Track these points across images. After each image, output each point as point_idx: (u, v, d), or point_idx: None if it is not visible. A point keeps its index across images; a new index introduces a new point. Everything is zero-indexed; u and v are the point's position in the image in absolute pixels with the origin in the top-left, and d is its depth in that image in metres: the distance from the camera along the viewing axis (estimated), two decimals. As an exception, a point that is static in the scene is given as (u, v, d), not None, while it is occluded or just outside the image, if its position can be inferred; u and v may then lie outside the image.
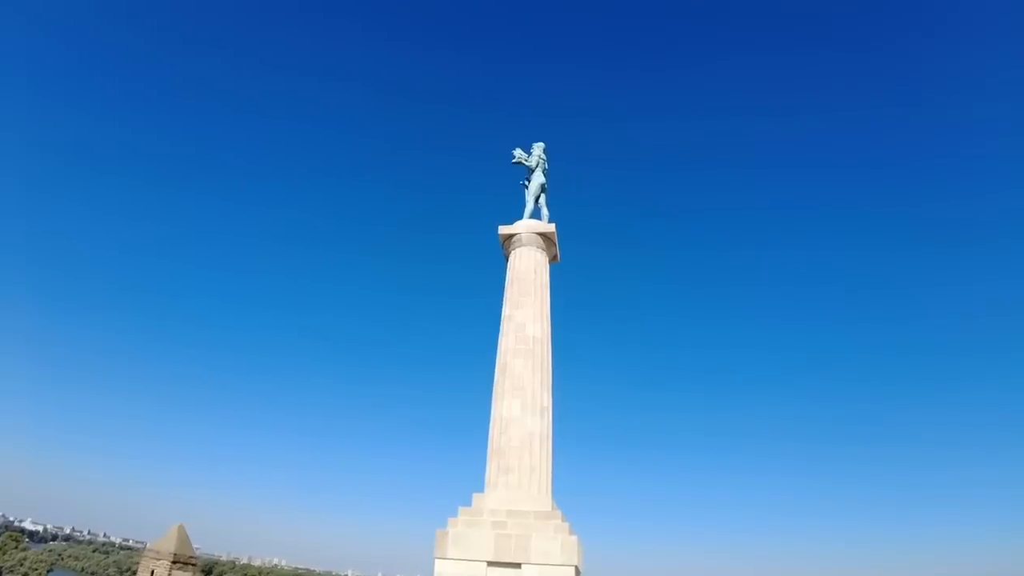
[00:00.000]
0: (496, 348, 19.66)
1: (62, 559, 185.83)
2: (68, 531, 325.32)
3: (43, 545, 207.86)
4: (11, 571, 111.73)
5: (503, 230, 21.46)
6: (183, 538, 29.99)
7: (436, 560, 16.03)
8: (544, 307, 20.24)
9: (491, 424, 18.42)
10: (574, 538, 15.88)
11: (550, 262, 21.62)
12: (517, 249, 20.98)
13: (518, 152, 22.86)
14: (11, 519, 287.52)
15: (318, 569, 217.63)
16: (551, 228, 21.31)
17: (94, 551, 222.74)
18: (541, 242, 21.11)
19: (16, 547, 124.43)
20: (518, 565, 15.54)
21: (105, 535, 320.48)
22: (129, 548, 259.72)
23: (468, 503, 17.26)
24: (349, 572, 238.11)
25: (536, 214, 22.13)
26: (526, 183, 22.63)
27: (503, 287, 20.83)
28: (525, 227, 21.21)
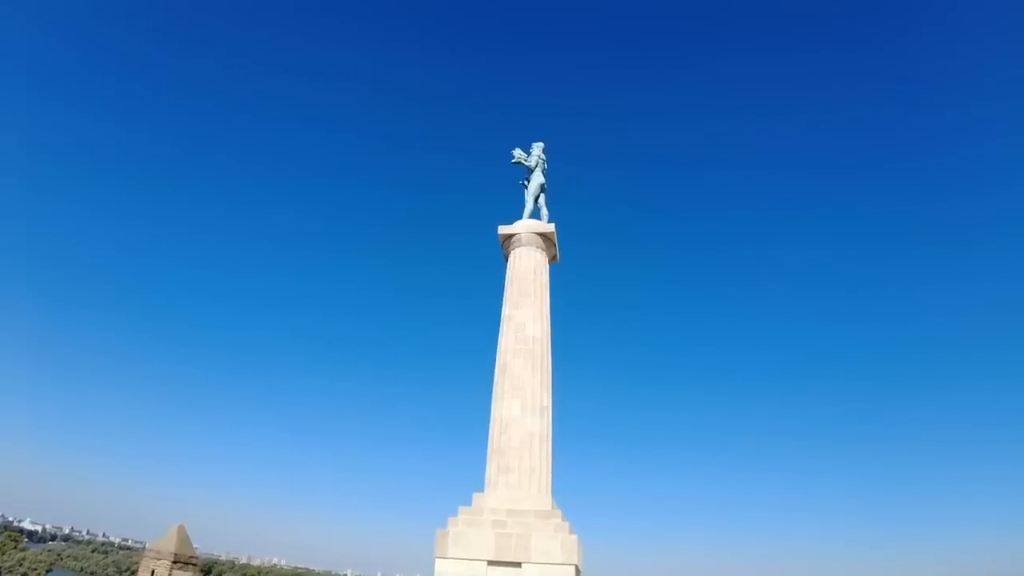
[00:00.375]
0: (496, 348, 19.68)
1: (61, 559, 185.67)
2: (67, 531, 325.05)
3: (42, 545, 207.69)
4: (10, 571, 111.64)
5: (503, 230, 21.48)
6: (183, 538, 30.00)
7: (436, 559, 16.05)
8: (544, 307, 20.26)
9: (491, 424, 18.45)
10: (574, 537, 15.91)
11: (550, 262, 21.64)
12: (517, 249, 21.00)
13: (517, 152, 22.87)
14: (10, 519, 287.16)
15: (317, 569, 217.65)
16: (551, 228, 21.33)
17: (93, 551, 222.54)
18: (541, 242, 21.13)
19: (15, 547, 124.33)
20: (518, 564, 15.58)
21: (104, 535, 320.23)
22: (128, 548, 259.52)
23: (468, 503, 17.29)
24: (348, 572, 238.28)
25: (536, 214, 22.14)
26: (525, 183, 22.64)
27: (503, 287, 20.85)
28: (525, 227, 21.23)
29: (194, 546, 30.73)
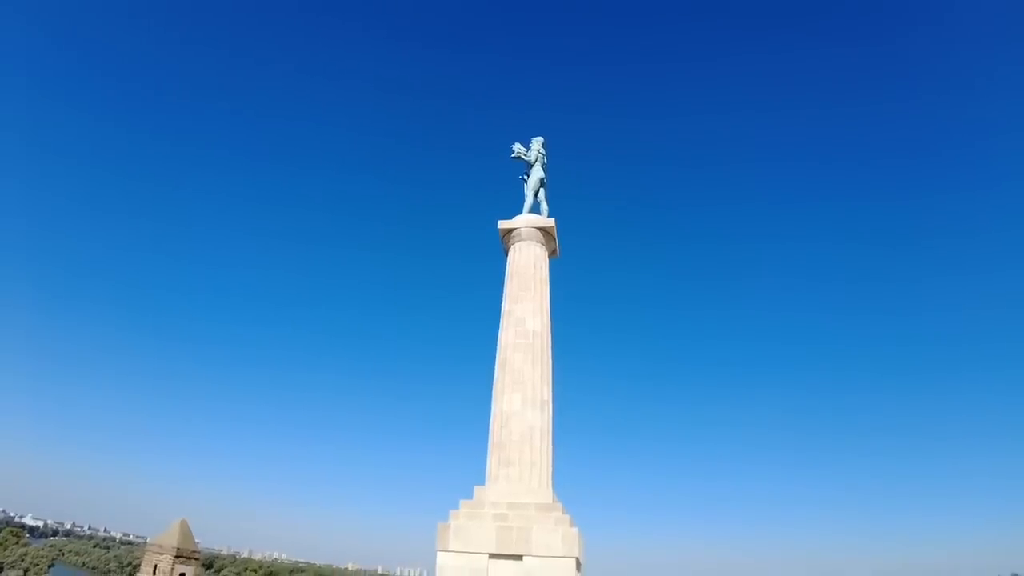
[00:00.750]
0: (496, 343, 19.72)
1: (63, 554, 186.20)
2: (69, 526, 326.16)
3: (44, 540, 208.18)
4: (12, 566, 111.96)
5: (502, 225, 21.48)
6: (185, 533, 30.09)
7: (438, 552, 16.11)
8: (544, 301, 20.29)
9: (492, 418, 18.50)
10: (575, 530, 15.98)
11: (550, 256, 21.65)
12: (516, 244, 21.01)
13: (517, 147, 22.84)
14: (11, 515, 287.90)
15: (318, 563, 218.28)
16: (550, 223, 21.33)
17: (95, 546, 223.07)
18: (540, 236, 21.13)
19: (17, 542, 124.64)
20: (520, 557, 15.66)
21: (106, 530, 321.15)
22: (130, 543, 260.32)
23: (469, 496, 17.36)
24: (349, 565, 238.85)
25: (535, 208, 22.12)
26: (525, 177, 22.62)
27: (503, 282, 20.87)
28: (524, 222, 21.22)
29: (195, 541, 30.83)
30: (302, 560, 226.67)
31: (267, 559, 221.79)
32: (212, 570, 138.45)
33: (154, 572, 28.62)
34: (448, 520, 16.56)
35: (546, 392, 18.69)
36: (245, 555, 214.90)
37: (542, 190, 22.51)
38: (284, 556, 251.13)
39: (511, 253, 21.10)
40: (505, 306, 20.05)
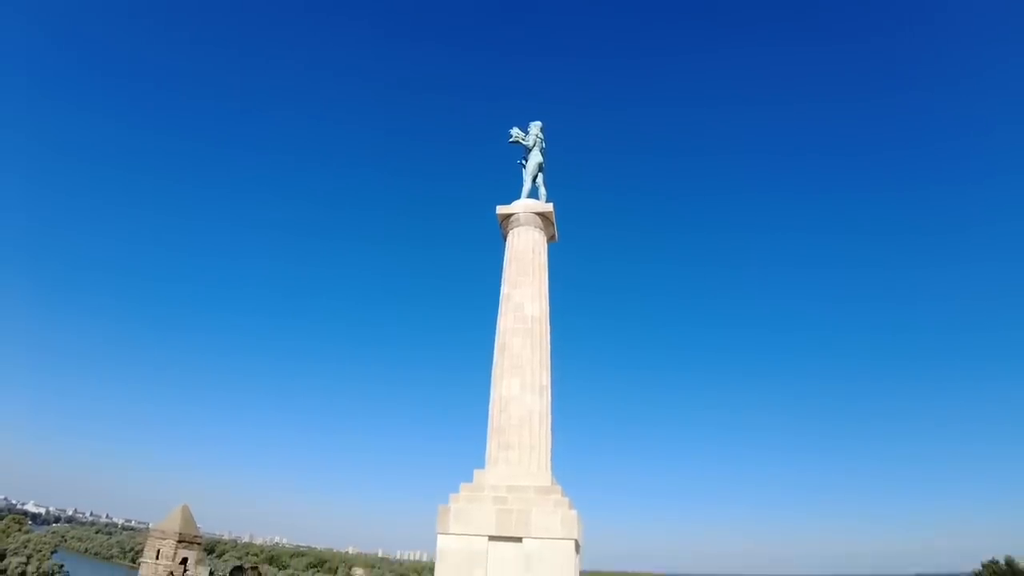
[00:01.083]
0: (495, 328, 19.76)
1: (66, 540, 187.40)
2: (71, 513, 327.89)
3: (46, 527, 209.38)
4: (16, 553, 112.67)
5: (501, 210, 21.41)
6: (187, 518, 30.32)
7: (438, 535, 16.26)
8: (542, 287, 20.29)
9: (491, 402, 18.59)
10: (574, 512, 16.13)
11: (548, 242, 21.61)
12: (515, 229, 20.97)
13: (515, 131, 22.71)
14: (13, 502, 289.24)
15: (319, 547, 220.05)
16: (549, 208, 21.26)
17: (97, 532, 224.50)
18: (539, 222, 21.09)
19: (19, 529, 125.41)
20: (519, 539, 15.81)
21: (108, 516, 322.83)
22: (132, 529, 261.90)
23: (469, 480, 17.48)
24: (350, 549, 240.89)
25: (534, 194, 22.05)
26: (523, 162, 22.52)
27: (502, 267, 20.85)
28: (523, 207, 21.16)
29: (197, 526, 31.04)
30: (303, 544, 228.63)
31: (268, 543, 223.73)
32: (214, 555, 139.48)
33: (157, 557, 28.88)
34: (448, 503, 16.70)
35: (545, 377, 18.77)
36: (246, 540, 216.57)
37: (540, 175, 22.41)
38: (285, 540, 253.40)
39: (509, 238, 21.06)
40: (504, 291, 20.06)
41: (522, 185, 22.13)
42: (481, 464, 17.95)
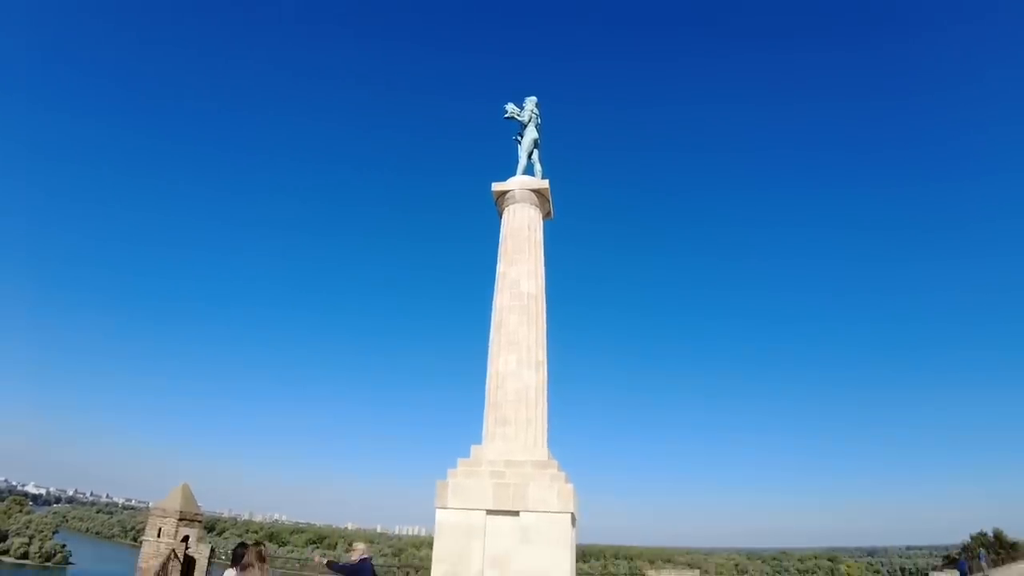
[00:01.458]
0: (491, 305, 19.81)
1: (67, 520, 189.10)
2: (71, 493, 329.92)
3: (47, 508, 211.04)
4: (18, 534, 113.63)
5: (496, 187, 21.32)
6: (188, 496, 30.56)
7: (437, 510, 16.47)
8: (538, 264, 20.31)
9: (488, 379, 18.70)
10: (570, 486, 16.33)
11: (544, 219, 21.58)
12: (511, 206, 20.90)
13: (510, 107, 22.52)
14: (14, 483, 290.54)
15: (318, 523, 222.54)
16: (544, 184, 21.18)
17: (98, 512, 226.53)
18: (535, 198, 21.02)
19: (20, 510, 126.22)
20: (516, 513, 16.03)
21: (108, 496, 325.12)
22: (132, 508, 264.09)
23: (467, 455, 17.66)
24: (349, 525, 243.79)
25: (529, 170, 21.94)
26: (518, 138, 22.38)
27: (498, 245, 20.83)
28: (518, 183, 21.07)
29: (198, 504, 31.33)
30: (302, 521, 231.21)
31: (268, 521, 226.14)
32: (214, 532, 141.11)
33: (158, 535, 29.13)
34: (446, 479, 16.88)
35: (541, 353, 18.88)
36: (246, 517, 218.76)
37: (536, 151, 22.28)
38: (284, 518, 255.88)
39: (505, 215, 21.01)
40: (500, 268, 20.06)
41: (517, 162, 22.03)
42: (478, 440, 18.13)
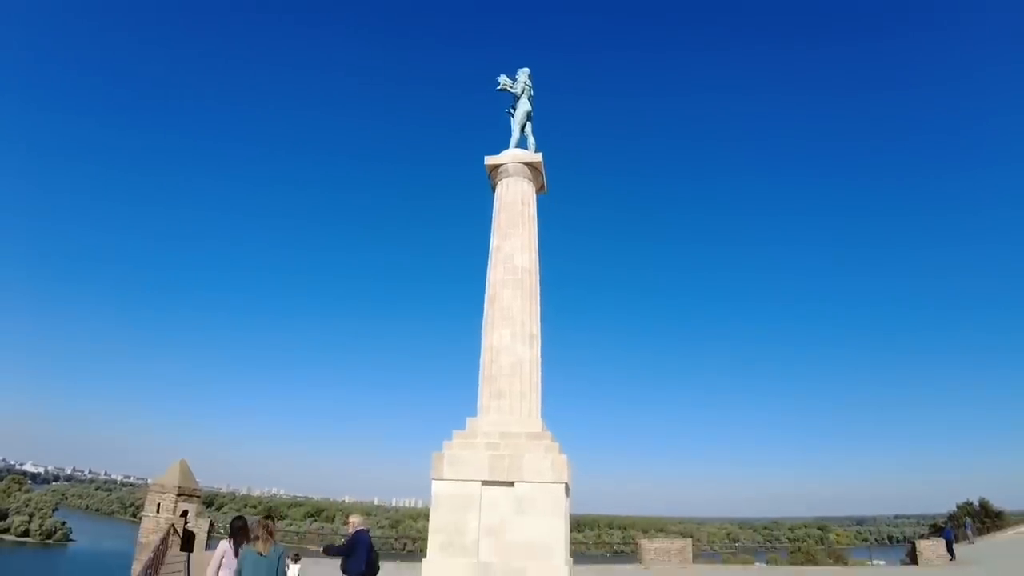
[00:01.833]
0: (485, 279, 19.81)
1: (66, 498, 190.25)
2: (69, 471, 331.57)
3: (46, 486, 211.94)
4: (17, 512, 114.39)
5: (489, 160, 21.15)
6: (186, 472, 30.79)
7: (433, 481, 16.68)
8: (532, 238, 20.26)
9: (482, 352, 18.80)
10: (563, 457, 16.55)
11: (537, 192, 21.46)
12: (504, 180, 20.78)
13: (502, 78, 22.21)
14: (12, 462, 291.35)
15: (316, 497, 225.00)
16: (537, 158, 21.03)
17: (97, 489, 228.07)
18: (528, 172, 20.89)
19: (19, 489, 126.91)
20: (511, 483, 16.25)
21: (106, 473, 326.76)
22: (131, 485, 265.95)
23: (462, 427, 17.84)
24: (346, 498, 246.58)
25: (522, 143, 21.74)
26: (511, 111, 22.11)
27: (491, 219, 20.76)
28: (511, 157, 20.91)
29: (196, 480, 31.59)
30: (300, 495, 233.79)
31: (266, 495, 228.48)
32: (213, 507, 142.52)
33: (158, 510, 29.40)
34: (442, 450, 17.08)
35: (535, 327, 18.96)
36: (244, 492, 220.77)
37: (529, 124, 22.04)
38: (283, 492, 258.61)
39: (498, 189, 20.90)
40: (494, 243, 20.02)
41: (510, 135, 21.83)
42: (473, 413, 18.30)
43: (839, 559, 37.38)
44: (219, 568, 8.43)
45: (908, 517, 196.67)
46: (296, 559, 12.85)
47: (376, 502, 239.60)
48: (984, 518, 46.36)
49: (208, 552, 27.14)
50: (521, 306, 18.88)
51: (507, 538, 15.81)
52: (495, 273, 19.54)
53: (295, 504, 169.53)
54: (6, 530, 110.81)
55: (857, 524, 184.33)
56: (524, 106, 22.06)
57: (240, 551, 8.17)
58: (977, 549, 34.34)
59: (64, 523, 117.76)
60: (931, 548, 29.24)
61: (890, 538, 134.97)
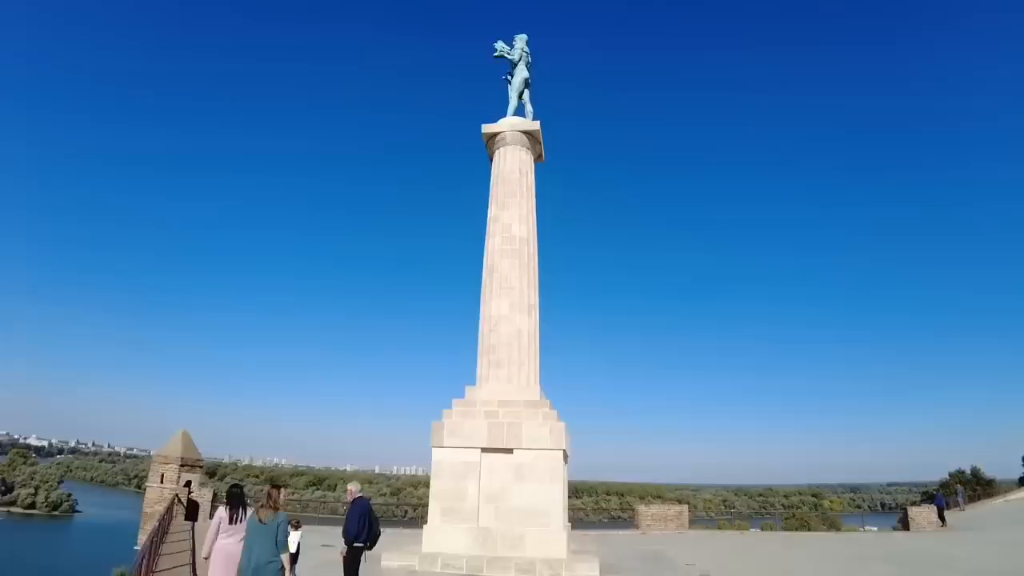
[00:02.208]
0: (483, 249, 19.74)
1: (71, 471, 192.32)
2: (73, 444, 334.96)
3: (50, 459, 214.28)
4: (23, 485, 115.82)
5: (486, 129, 20.86)
6: (188, 443, 31.09)
7: (433, 449, 16.86)
8: (530, 208, 20.15)
9: (481, 322, 18.84)
10: (561, 424, 16.71)
11: (535, 161, 21.25)
12: (501, 149, 20.55)
13: (500, 45, 21.78)
14: (16, 437, 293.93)
15: (317, 466, 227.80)
16: (535, 126, 20.76)
17: (101, 462, 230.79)
18: (526, 140, 20.65)
19: (25, 462, 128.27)
20: (510, 450, 16.45)
21: (110, 446, 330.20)
22: (134, 456, 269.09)
23: (462, 396, 17.98)
24: (347, 467, 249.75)
25: (520, 111, 21.44)
26: (509, 78, 21.74)
27: (489, 188, 20.58)
28: (509, 125, 20.64)
29: (198, 450, 31.93)
30: (301, 464, 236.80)
31: (268, 465, 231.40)
32: (215, 477, 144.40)
33: (161, 481, 29.76)
34: (442, 419, 17.23)
35: (533, 297, 18.97)
36: (246, 462, 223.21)
37: (527, 91, 21.69)
38: (284, 461, 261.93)
39: (496, 159, 20.68)
40: (491, 212, 19.89)
41: (508, 103, 21.52)
42: (473, 382, 18.41)
43: (832, 525, 38.04)
44: (216, 533, 8.57)
45: (901, 485, 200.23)
46: (297, 526, 12.98)
47: (377, 470, 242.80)
48: (975, 486, 47.09)
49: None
50: (519, 276, 18.86)
51: (506, 504, 16.05)
52: (493, 243, 19.46)
53: (297, 473, 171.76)
54: (13, 502, 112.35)
55: (851, 491, 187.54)
56: (522, 73, 21.67)
57: (244, 517, 8.32)
58: (967, 516, 34.96)
59: (70, 495, 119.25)
60: (923, 515, 29.72)
61: (883, 505, 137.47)
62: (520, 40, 22.02)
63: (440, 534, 16.03)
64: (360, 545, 10.38)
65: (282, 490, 8.61)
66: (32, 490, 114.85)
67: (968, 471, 50.60)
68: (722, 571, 16.15)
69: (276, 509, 7.99)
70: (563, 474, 16.78)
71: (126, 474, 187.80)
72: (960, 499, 40.24)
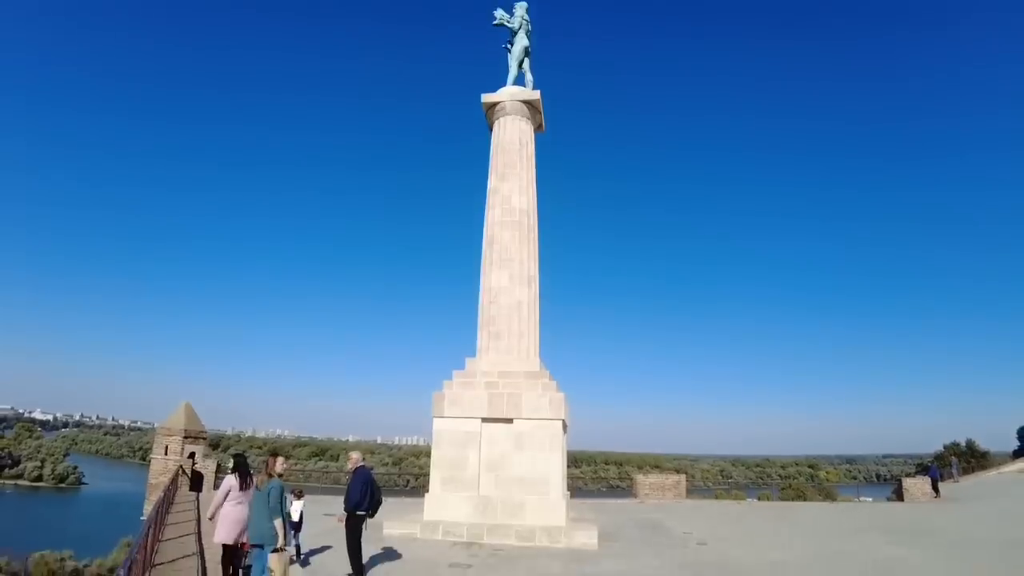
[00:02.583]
0: (483, 221, 19.64)
1: (76, 444, 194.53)
2: (77, 418, 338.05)
3: (55, 433, 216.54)
4: (30, 458, 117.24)
5: (486, 98, 20.57)
6: (191, 414, 31.35)
7: (434, 419, 17.01)
8: (530, 179, 19.98)
9: (481, 293, 18.84)
10: (561, 395, 16.82)
11: (535, 131, 21.00)
12: (501, 119, 20.30)
13: (499, 13, 21.34)
14: (20, 411, 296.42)
15: (320, 437, 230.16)
16: (535, 95, 20.47)
17: (105, 435, 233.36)
18: (526, 110, 20.39)
19: (30, 436, 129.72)
20: (510, 420, 16.58)
21: (114, 419, 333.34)
22: (138, 429, 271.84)
23: (462, 367, 18.06)
24: (350, 438, 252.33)
25: (520, 80, 21.11)
26: (508, 47, 21.35)
27: (488, 159, 20.39)
28: (508, 95, 20.35)
29: (201, 422, 32.21)
30: (304, 435, 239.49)
31: (271, 436, 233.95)
32: (219, 449, 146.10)
33: (165, 453, 30.06)
34: (443, 390, 17.34)
35: (533, 268, 18.93)
36: (249, 434, 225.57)
37: (527, 60, 21.33)
38: (287, 432, 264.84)
39: (495, 129, 20.44)
40: (491, 183, 19.73)
41: (508, 72, 21.19)
42: (473, 353, 18.49)
43: (828, 496, 38.62)
44: (224, 498, 8.98)
45: (896, 456, 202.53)
46: (299, 496, 13.16)
47: (379, 441, 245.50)
48: (970, 458, 47.69)
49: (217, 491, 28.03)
50: (519, 248, 18.79)
51: (506, 473, 16.24)
52: (493, 214, 19.34)
53: (299, 444, 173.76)
54: (20, 476, 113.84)
55: (847, 463, 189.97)
56: (522, 42, 21.27)
57: (251, 485, 9.02)
58: (961, 487, 35.45)
59: (76, 468, 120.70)
60: (917, 486, 30.08)
61: (878, 476, 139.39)
62: (520, 8, 21.59)
63: (441, 503, 16.25)
64: (362, 513, 10.49)
65: (279, 459, 8.90)
66: (38, 463, 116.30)
67: (963, 444, 51.19)
68: (718, 539, 16.41)
69: (270, 476, 8.42)
70: (562, 443, 16.95)
71: (131, 446, 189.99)
72: (954, 471, 40.77)
